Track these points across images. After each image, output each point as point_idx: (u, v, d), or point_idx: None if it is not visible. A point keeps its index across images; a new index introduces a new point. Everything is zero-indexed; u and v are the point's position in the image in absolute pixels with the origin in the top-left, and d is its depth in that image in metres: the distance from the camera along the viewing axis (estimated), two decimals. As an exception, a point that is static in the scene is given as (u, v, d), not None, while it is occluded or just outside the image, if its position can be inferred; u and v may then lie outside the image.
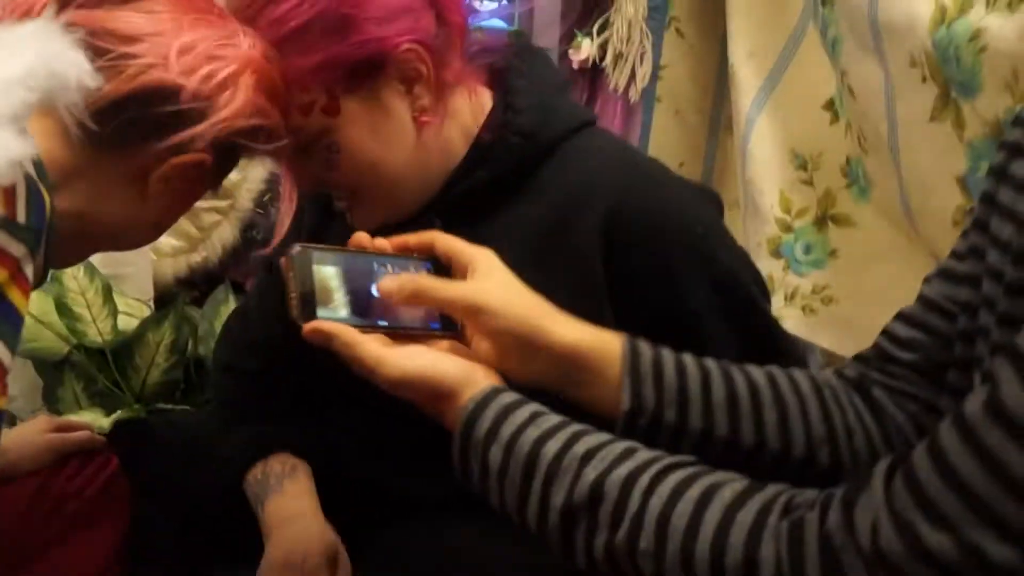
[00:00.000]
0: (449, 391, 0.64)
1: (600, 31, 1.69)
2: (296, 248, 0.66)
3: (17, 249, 0.58)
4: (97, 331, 1.24)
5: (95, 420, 1.10)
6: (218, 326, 1.26)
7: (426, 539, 0.88)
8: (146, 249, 1.45)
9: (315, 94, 0.79)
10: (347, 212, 0.88)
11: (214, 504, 0.94)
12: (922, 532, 0.46)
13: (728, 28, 1.55)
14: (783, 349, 0.88)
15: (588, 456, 0.58)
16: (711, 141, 1.74)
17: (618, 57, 1.68)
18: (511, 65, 0.89)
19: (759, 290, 0.90)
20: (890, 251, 1.30)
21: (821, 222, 1.42)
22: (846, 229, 1.41)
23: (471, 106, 0.87)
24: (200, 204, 1.55)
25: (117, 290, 1.31)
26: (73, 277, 1.25)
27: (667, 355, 0.69)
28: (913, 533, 0.46)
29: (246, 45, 0.74)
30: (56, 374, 1.25)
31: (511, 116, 0.85)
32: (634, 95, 1.70)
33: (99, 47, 0.68)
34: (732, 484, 0.55)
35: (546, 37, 1.73)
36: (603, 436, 0.61)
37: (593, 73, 1.73)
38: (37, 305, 1.24)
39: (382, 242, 0.71)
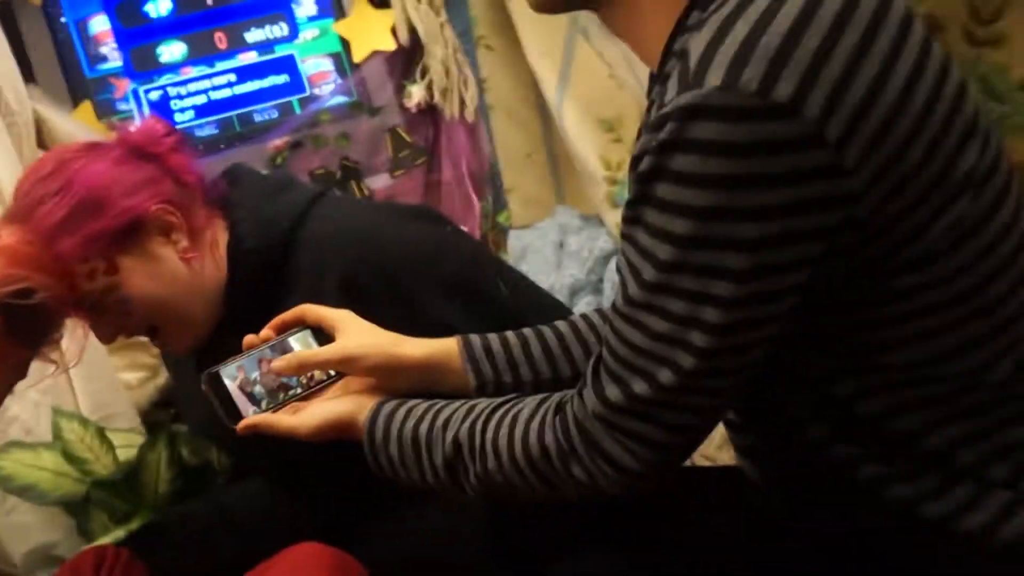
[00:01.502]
0: (350, 422, 0.83)
1: (423, 75, 1.96)
2: (207, 372, 0.86)
3: None
4: (103, 467, 1.48)
5: (116, 536, 1.33)
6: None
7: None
8: (120, 388, 1.70)
9: (94, 262, 0.99)
10: (163, 348, 1.08)
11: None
12: (608, 393, 0.66)
13: (520, 37, 1.83)
14: (533, 309, 1.05)
15: (445, 424, 0.78)
16: (547, 129, 2.02)
17: (445, 91, 1.95)
18: (229, 197, 1.08)
19: (493, 275, 1.07)
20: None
21: (640, 167, 1.69)
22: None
23: (223, 236, 1.06)
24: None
25: (110, 428, 1.55)
26: (71, 431, 1.49)
27: (493, 337, 0.88)
28: (602, 393, 0.66)
29: (3, 236, 0.96)
30: (83, 512, 1.48)
31: (240, 243, 1.05)
32: (469, 116, 1.98)
33: None
34: (530, 404, 0.74)
35: (382, 96, 1.99)
36: (455, 404, 0.79)
37: (431, 112, 2.00)
38: (51, 462, 1.48)
39: (266, 332, 0.89)
